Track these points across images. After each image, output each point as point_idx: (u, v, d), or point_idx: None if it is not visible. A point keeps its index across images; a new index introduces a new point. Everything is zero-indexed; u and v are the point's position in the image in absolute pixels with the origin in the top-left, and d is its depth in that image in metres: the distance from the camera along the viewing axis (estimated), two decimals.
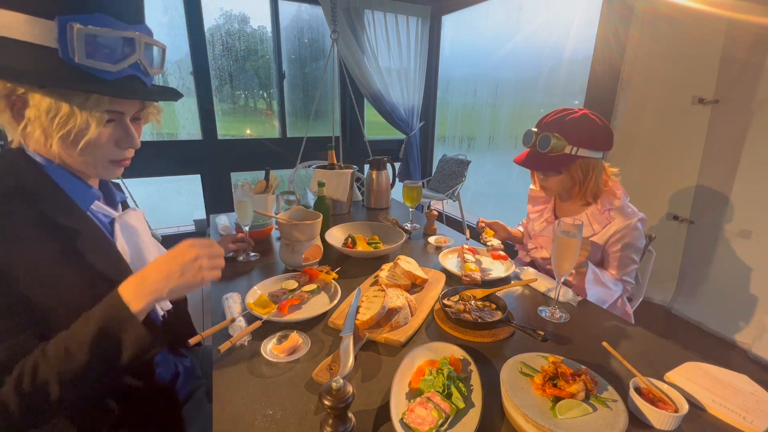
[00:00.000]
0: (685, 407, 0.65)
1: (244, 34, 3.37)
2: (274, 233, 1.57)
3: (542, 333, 0.82)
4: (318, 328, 0.93)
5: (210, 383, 0.72)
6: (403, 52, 3.67)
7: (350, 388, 0.56)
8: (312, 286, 1.05)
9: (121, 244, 0.73)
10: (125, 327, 0.59)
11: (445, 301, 0.99)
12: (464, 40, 3.89)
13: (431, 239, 1.53)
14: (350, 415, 0.59)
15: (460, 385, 0.69)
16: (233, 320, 0.90)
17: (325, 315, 0.97)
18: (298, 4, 3.42)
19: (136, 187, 2.54)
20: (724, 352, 2.06)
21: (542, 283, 1.15)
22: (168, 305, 0.83)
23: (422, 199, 3.17)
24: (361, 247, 1.37)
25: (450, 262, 1.30)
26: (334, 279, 1.10)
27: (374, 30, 3.47)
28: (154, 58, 0.69)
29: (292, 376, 0.75)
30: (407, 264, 1.14)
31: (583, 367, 0.71)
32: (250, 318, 0.93)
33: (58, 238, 0.63)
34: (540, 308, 1.04)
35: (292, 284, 1.05)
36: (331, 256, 1.35)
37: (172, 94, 0.72)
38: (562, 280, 1.02)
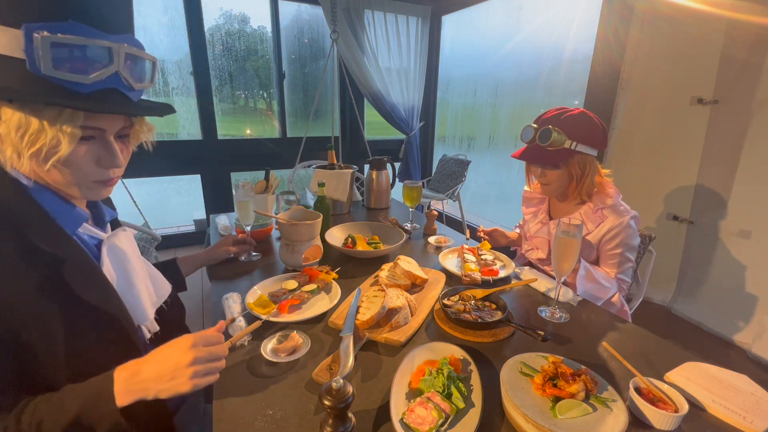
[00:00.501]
0: (685, 407, 0.65)
1: (244, 34, 3.38)
2: (274, 233, 1.57)
3: (542, 333, 0.82)
4: (318, 328, 0.93)
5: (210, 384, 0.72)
6: (403, 52, 3.67)
7: (350, 388, 0.56)
8: (312, 286, 1.05)
9: (108, 268, 0.69)
10: (104, 418, 0.58)
11: (445, 301, 1.00)
12: (464, 40, 3.89)
13: (431, 239, 1.53)
14: (350, 415, 0.59)
15: (460, 385, 0.69)
16: (233, 320, 0.90)
17: (325, 315, 0.97)
18: (298, 4, 3.42)
19: (136, 187, 2.53)
20: (724, 352, 2.06)
21: (542, 283, 1.15)
22: (156, 327, 0.80)
23: (422, 199, 3.17)
24: (361, 247, 1.37)
25: (450, 262, 1.30)
26: (334, 279, 1.10)
27: (374, 30, 3.47)
28: (140, 70, 0.63)
29: (292, 376, 0.75)
30: (407, 264, 1.14)
31: (583, 367, 0.71)
32: (250, 318, 0.93)
33: (40, 267, 0.58)
34: (540, 308, 1.04)
35: (292, 284, 1.05)
36: (331, 256, 1.35)
37: (162, 109, 0.67)
38: (562, 280, 1.02)
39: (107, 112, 0.60)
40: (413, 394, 0.69)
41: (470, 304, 0.97)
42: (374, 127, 4.22)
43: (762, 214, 1.97)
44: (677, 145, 2.24)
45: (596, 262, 1.29)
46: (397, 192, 1.89)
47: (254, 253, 1.32)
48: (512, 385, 0.67)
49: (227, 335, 0.86)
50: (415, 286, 1.12)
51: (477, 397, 0.68)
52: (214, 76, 3.24)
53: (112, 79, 0.58)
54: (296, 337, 0.83)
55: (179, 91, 3.19)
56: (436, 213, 1.64)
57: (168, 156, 3.15)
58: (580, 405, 0.63)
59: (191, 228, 3.55)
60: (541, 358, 0.75)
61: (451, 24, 3.91)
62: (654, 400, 0.67)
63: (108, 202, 0.84)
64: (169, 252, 3.28)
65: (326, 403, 0.54)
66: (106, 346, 0.66)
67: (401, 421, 0.63)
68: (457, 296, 1.03)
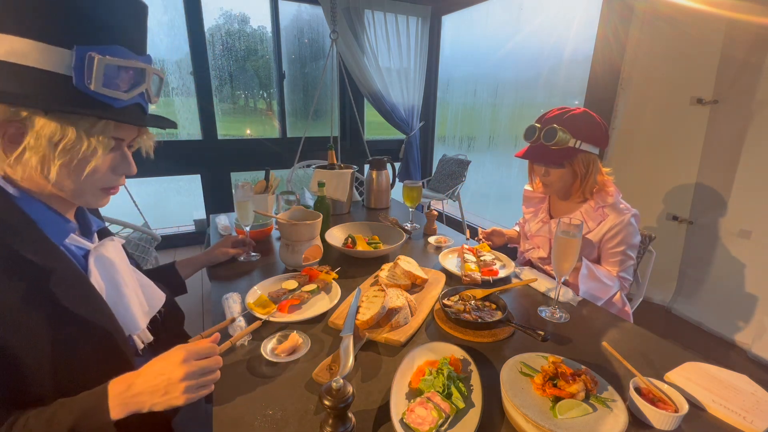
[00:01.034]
0: (685, 407, 0.65)
1: (244, 34, 3.38)
2: (274, 233, 1.57)
3: (542, 333, 0.82)
4: (318, 328, 0.93)
5: None
6: (403, 52, 3.67)
7: (350, 388, 0.56)
8: (312, 286, 1.05)
9: (96, 278, 0.69)
10: (98, 431, 0.58)
11: (445, 301, 1.00)
12: (464, 40, 3.89)
13: (431, 239, 1.53)
14: (350, 415, 0.59)
15: (460, 385, 0.69)
16: (233, 320, 0.90)
17: (325, 315, 0.97)
18: (298, 4, 3.42)
19: (136, 188, 2.53)
20: (724, 352, 2.06)
21: (542, 283, 1.15)
22: (149, 337, 0.79)
23: (422, 199, 3.17)
24: (361, 247, 1.37)
25: (450, 262, 1.30)
26: (334, 279, 1.10)
27: (374, 30, 3.47)
28: (157, 88, 0.71)
29: (292, 376, 0.75)
30: (407, 264, 1.14)
31: (583, 367, 0.71)
32: (250, 318, 0.93)
33: (27, 277, 0.59)
34: (540, 308, 1.04)
35: (292, 284, 1.05)
36: (331, 256, 1.35)
37: (168, 123, 0.74)
38: (562, 280, 1.02)
39: (138, 124, 0.67)
40: (413, 394, 0.69)
41: (470, 304, 0.97)
42: (374, 127, 4.22)
43: (762, 214, 1.97)
44: (677, 145, 2.24)
45: (597, 261, 1.29)
46: (397, 192, 1.89)
47: (254, 254, 1.32)
48: (512, 385, 0.67)
49: (227, 335, 0.86)
50: (415, 286, 1.12)
51: (477, 397, 0.68)
52: (214, 76, 3.24)
53: (140, 96, 0.66)
54: (296, 337, 0.83)
55: (179, 91, 3.19)
56: (436, 213, 1.64)
57: (168, 156, 3.15)
58: (580, 405, 0.63)
59: (191, 228, 3.55)
60: (541, 358, 0.75)
61: (451, 24, 3.91)
62: (654, 400, 0.67)
63: (95, 212, 0.84)
64: (169, 252, 3.28)
65: (326, 403, 0.54)
66: (95, 357, 0.65)
67: (401, 421, 0.63)
68: (457, 296, 1.03)
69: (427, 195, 3.56)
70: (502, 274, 1.21)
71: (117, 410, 0.59)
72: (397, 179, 2.19)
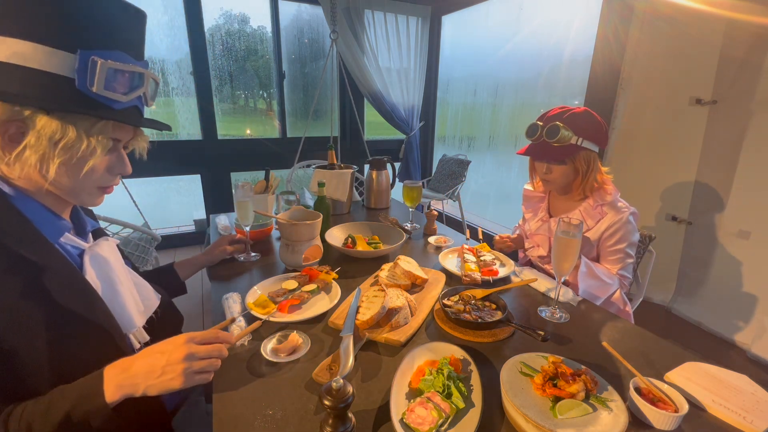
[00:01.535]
0: (685, 407, 0.65)
1: (244, 34, 3.38)
2: (274, 233, 1.57)
3: (542, 333, 0.82)
4: (318, 328, 0.93)
5: (209, 383, 0.72)
6: (403, 52, 3.67)
7: (350, 388, 0.56)
8: (312, 286, 1.05)
9: (91, 276, 0.70)
10: (95, 415, 0.58)
11: (445, 301, 1.00)
12: (464, 40, 3.89)
13: (431, 239, 1.53)
14: (350, 415, 0.59)
15: (460, 385, 0.69)
16: (233, 320, 0.90)
17: (325, 315, 0.97)
18: (298, 4, 3.42)
19: (136, 188, 2.53)
20: (723, 352, 2.06)
21: (542, 283, 1.15)
22: (146, 337, 0.79)
23: (422, 199, 3.17)
24: (361, 247, 1.37)
25: (450, 262, 1.30)
26: (334, 279, 1.10)
27: (374, 30, 3.47)
28: (153, 92, 0.74)
29: (292, 376, 0.75)
30: (407, 264, 1.14)
31: (583, 367, 0.71)
32: (250, 318, 0.93)
33: (22, 273, 0.60)
34: (540, 308, 1.04)
35: (292, 284, 1.05)
36: (331, 256, 1.35)
37: (163, 126, 0.77)
38: (562, 280, 1.02)
39: (135, 124, 0.70)
40: (413, 394, 0.69)
41: (470, 304, 0.97)
42: (374, 127, 4.22)
43: (761, 215, 1.97)
44: (676, 146, 2.24)
45: (596, 260, 1.30)
46: (397, 192, 1.89)
47: (253, 253, 1.32)
48: (512, 385, 0.67)
49: None
50: (415, 286, 1.12)
51: (477, 397, 0.68)
52: (214, 76, 3.24)
53: (138, 99, 0.69)
54: (296, 337, 0.83)
55: (179, 91, 3.19)
56: (436, 213, 1.65)
57: (168, 156, 3.15)
58: (580, 405, 0.63)
59: (191, 228, 3.55)
60: (541, 358, 0.75)
61: (451, 24, 3.91)
62: (654, 400, 0.67)
63: (89, 213, 0.85)
64: (169, 252, 3.28)
65: (326, 403, 0.54)
66: (92, 354, 0.66)
67: (401, 421, 0.63)
68: (457, 296, 1.03)
69: (427, 195, 3.56)
70: (502, 274, 1.21)
71: (111, 392, 0.59)
72: (397, 179, 2.19)
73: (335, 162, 1.96)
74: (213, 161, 3.38)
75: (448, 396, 0.66)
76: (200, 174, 3.39)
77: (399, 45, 3.63)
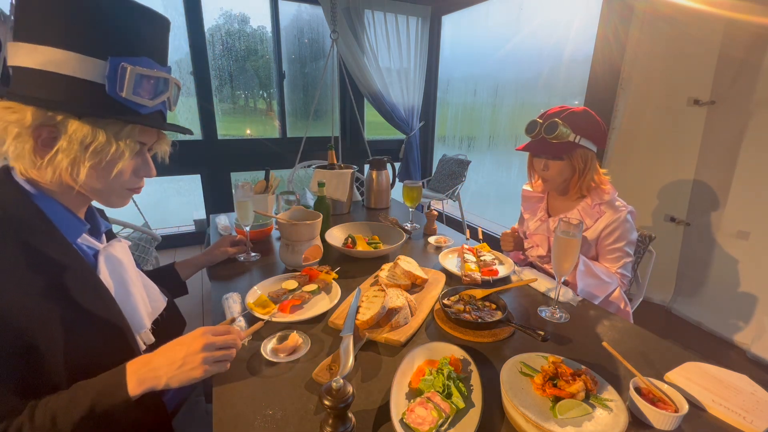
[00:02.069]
0: (685, 407, 0.65)
1: (244, 34, 3.37)
2: (274, 233, 1.57)
3: (542, 333, 0.82)
4: (318, 328, 0.93)
5: (210, 384, 0.72)
6: (403, 52, 3.67)
7: (350, 388, 0.56)
8: (312, 286, 1.05)
9: (105, 276, 0.72)
10: (117, 408, 0.60)
11: (445, 301, 1.00)
12: (464, 40, 3.89)
13: (431, 239, 1.53)
14: (350, 415, 0.59)
15: (460, 385, 0.69)
16: (233, 320, 0.90)
17: (325, 315, 0.97)
18: (298, 4, 3.42)
19: None
20: (723, 352, 2.06)
21: (542, 283, 1.15)
22: (151, 339, 0.81)
23: (422, 199, 3.17)
24: (361, 247, 1.37)
25: (450, 262, 1.30)
26: (334, 279, 1.10)
27: (374, 30, 3.47)
28: (175, 97, 0.77)
29: (292, 376, 0.75)
30: (407, 264, 1.14)
31: (583, 367, 0.71)
32: (250, 318, 0.93)
33: (45, 271, 0.61)
34: (540, 308, 1.04)
35: (292, 284, 1.05)
36: (331, 256, 1.35)
37: (185, 130, 0.81)
38: (562, 280, 1.02)
39: (162, 128, 0.73)
40: (413, 394, 0.69)
41: (470, 304, 0.97)
42: (374, 127, 4.22)
43: (760, 215, 1.97)
44: (675, 146, 2.24)
45: (595, 259, 1.30)
46: (397, 192, 1.89)
47: (253, 254, 1.32)
48: (512, 385, 0.67)
49: None
50: (415, 286, 1.12)
51: (477, 397, 0.68)
52: (214, 76, 3.24)
53: (162, 104, 0.72)
54: (296, 337, 0.83)
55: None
56: (436, 213, 1.65)
57: (168, 156, 3.15)
58: (580, 405, 0.63)
59: (191, 228, 3.54)
60: (541, 358, 0.75)
61: (451, 24, 3.91)
62: (654, 400, 0.67)
63: (102, 214, 0.86)
64: (169, 252, 3.28)
65: (326, 403, 0.54)
66: (107, 352, 0.67)
67: (401, 421, 0.63)
68: (457, 296, 1.03)
69: (427, 195, 3.56)
70: (502, 274, 1.21)
71: (134, 385, 0.61)
72: (397, 179, 2.19)
73: (335, 162, 1.96)
74: (213, 161, 3.38)
75: (448, 396, 0.66)
76: (200, 174, 3.39)
77: (399, 45, 3.63)
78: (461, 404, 0.65)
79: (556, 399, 0.64)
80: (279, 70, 3.50)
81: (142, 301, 0.79)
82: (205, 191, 3.44)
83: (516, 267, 1.26)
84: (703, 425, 0.67)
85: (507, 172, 3.66)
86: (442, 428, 0.62)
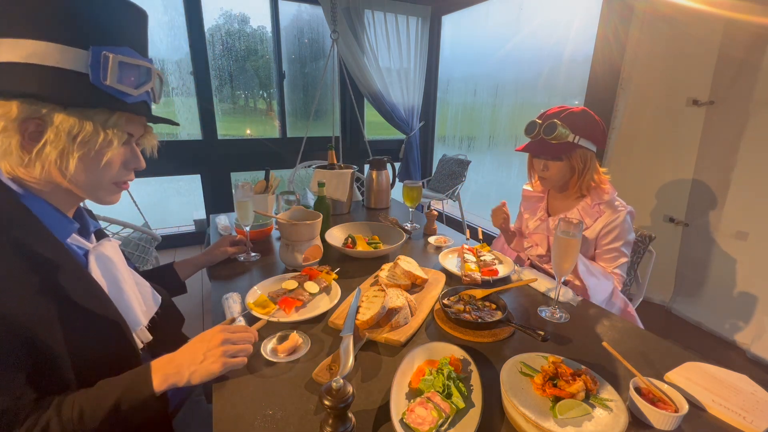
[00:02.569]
0: (685, 407, 0.65)
1: (244, 34, 3.37)
2: (274, 233, 1.57)
3: (542, 333, 0.82)
4: (318, 328, 0.93)
5: (210, 384, 0.72)
6: (403, 52, 3.67)
7: (350, 388, 0.56)
8: (314, 288, 1.05)
9: (97, 275, 0.72)
10: (143, 405, 0.63)
11: (445, 301, 1.00)
12: (464, 40, 3.89)
13: (431, 239, 1.53)
14: (350, 415, 0.59)
15: (460, 385, 0.69)
16: (233, 320, 0.90)
17: (325, 315, 0.97)
18: (298, 4, 3.42)
19: (136, 187, 2.52)
20: (723, 352, 2.06)
21: (542, 283, 1.15)
22: (148, 336, 0.80)
23: (422, 199, 3.17)
24: (361, 247, 1.37)
25: (450, 262, 1.30)
26: (334, 279, 1.10)
27: (374, 30, 3.48)
28: (159, 88, 0.77)
29: (292, 376, 0.75)
30: (407, 264, 1.14)
31: (583, 367, 0.71)
32: (250, 318, 0.93)
33: (39, 271, 0.61)
34: (540, 308, 1.04)
35: (292, 284, 1.05)
36: (331, 256, 1.35)
37: (172, 122, 0.80)
38: (562, 280, 1.02)
39: (147, 116, 0.73)
40: (413, 394, 0.69)
41: (470, 304, 0.97)
42: (374, 127, 4.21)
43: (759, 215, 1.97)
44: (675, 146, 2.24)
45: (593, 259, 1.30)
46: (397, 192, 1.89)
47: (253, 254, 1.32)
48: (512, 385, 0.67)
49: None
50: (415, 286, 1.12)
51: (477, 397, 0.68)
52: (214, 76, 3.24)
53: (146, 94, 0.72)
54: (296, 337, 0.83)
55: (179, 91, 3.19)
56: (436, 213, 1.64)
57: (168, 156, 3.15)
58: (580, 405, 0.63)
59: (191, 228, 3.54)
60: (541, 358, 0.75)
61: (451, 24, 3.91)
62: (654, 400, 0.67)
63: (91, 214, 0.86)
64: (169, 252, 3.28)
65: (326, 403, 0.54)
66: (108, 349, 0.68)
67: (401, 421, 0.63)
68: (457, 296, 1.03)
69: (427, 195, 3.56)
70: (502, 274, 1.21)
71: (159, 382, 0.64)
72: (397, 179, 2.19)
73: (335, 162, 1.96)
74: (213, 161, 3.38)
75: (448, 396, 0.66)
76: (200, 174, 3.39)
77: (399, 45, 3.63)
78: (461, 404, 0.65)
79: (556, 399, 0.64)
80: (279, 70, 3.50)
81: (135, 298, 0.79)
82: (205, 191, 3.44)
83: (516, 267, 1.26)
84: (703, 425, 0.67)
85: (507, 172, 3.66)
86: (442, 428, 0.62)
